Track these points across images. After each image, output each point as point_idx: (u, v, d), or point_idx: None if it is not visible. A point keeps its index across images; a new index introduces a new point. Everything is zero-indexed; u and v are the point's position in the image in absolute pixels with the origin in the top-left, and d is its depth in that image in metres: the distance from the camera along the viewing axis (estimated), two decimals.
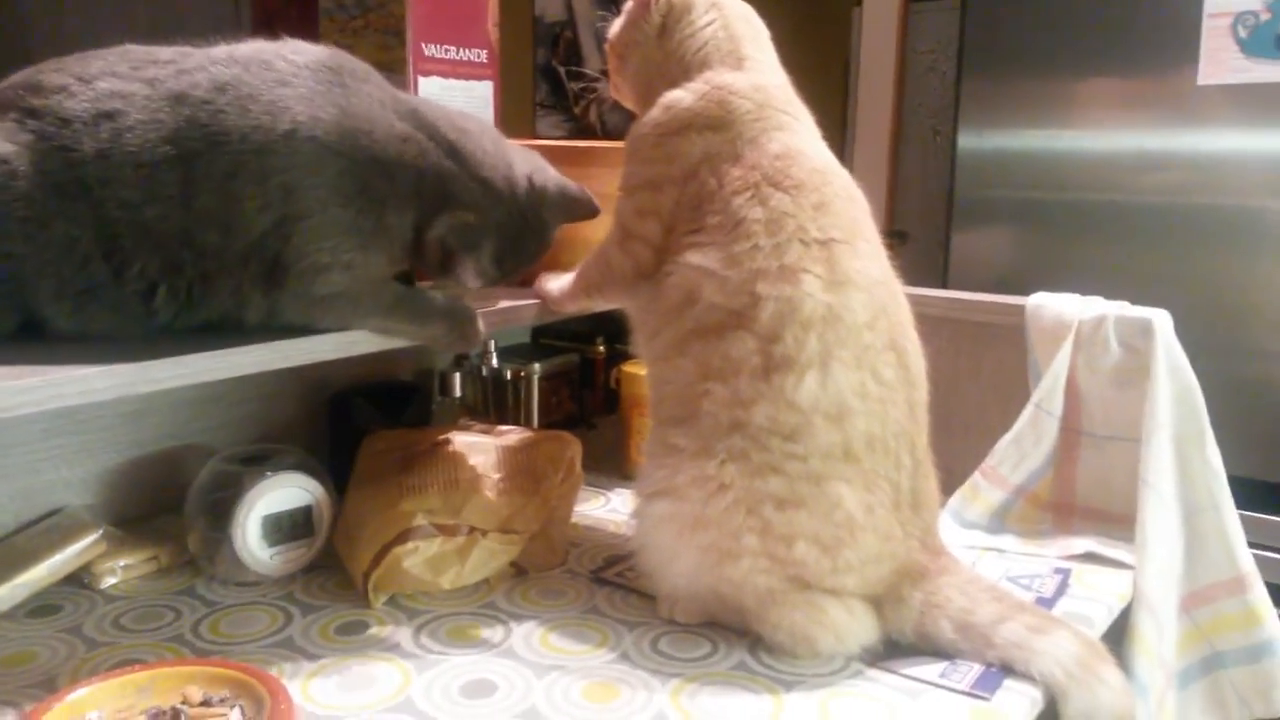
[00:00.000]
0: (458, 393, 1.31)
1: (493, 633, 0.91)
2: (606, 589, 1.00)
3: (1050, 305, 1.15)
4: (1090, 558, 1.07)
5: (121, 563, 1.00)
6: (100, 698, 0.74)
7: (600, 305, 1.04)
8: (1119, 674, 0.83)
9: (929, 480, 0.92)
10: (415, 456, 1.03)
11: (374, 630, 0.91)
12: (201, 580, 1.00)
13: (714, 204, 0.90)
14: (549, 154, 1.02)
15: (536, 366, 1.35)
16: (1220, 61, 1.77)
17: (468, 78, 1.08)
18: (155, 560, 1.02)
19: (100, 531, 0.98)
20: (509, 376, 1.34)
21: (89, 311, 0.76)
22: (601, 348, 1.42)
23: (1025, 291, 1.20)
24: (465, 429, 1.12)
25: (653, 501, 0.90)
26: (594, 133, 3.50)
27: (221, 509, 0.98)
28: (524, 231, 0.90)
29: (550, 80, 3.55)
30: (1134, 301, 1.12)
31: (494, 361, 1.34)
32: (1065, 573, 1.04)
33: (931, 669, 0.85)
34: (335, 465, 1.11)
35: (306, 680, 0.82)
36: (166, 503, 1.08)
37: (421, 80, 1.04)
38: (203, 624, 0.92)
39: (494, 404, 1.35)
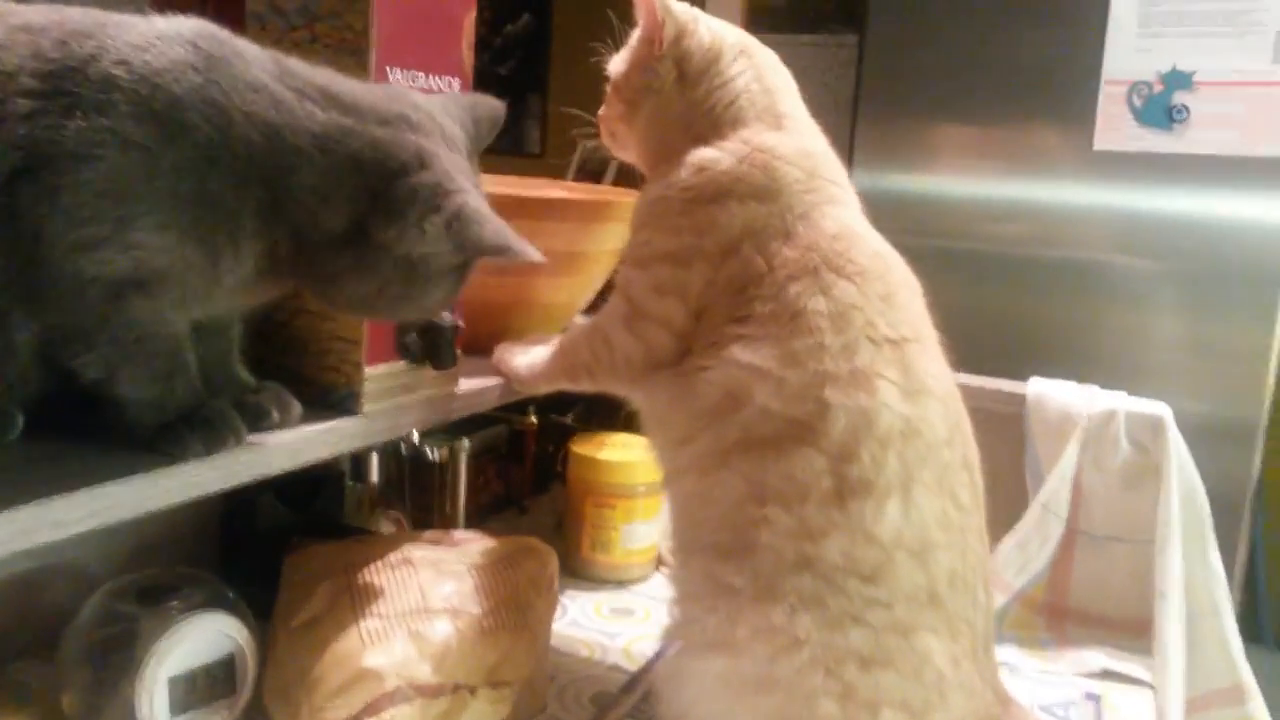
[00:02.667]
0: (374, 477, 1.09)
1: None
2: None
3: (1054, 396, 1.07)
4: (1106, 674, 1.00)
5: None
6: None
7: (584, 388, 0.87)
8: None
9: (992, 614, 0.81)
10: (365, 583, 0.82)
11: None
12: None
13: (763, 289, 0.76)
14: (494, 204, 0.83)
15: (465, 443, 1.14)
16: (1116, 128, 1.79)
17: None
18: None
19: None
20: (434, 457, 1.13)
21: None
22: (533, 418, 1.24)
23: None
24: (413, 540, 0.91)
25: (702, 657, 0.74)
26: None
27: (111, 660, 0.74)
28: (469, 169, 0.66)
29: None
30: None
31: (414, 438, 1.13)
32: (1096, 699, 0.96)
33: None
34: (233, 577, 0.88)
35: None
36: (24, 645, 0.82)
37: None
38: None
39: (412, 488, 1.13)
